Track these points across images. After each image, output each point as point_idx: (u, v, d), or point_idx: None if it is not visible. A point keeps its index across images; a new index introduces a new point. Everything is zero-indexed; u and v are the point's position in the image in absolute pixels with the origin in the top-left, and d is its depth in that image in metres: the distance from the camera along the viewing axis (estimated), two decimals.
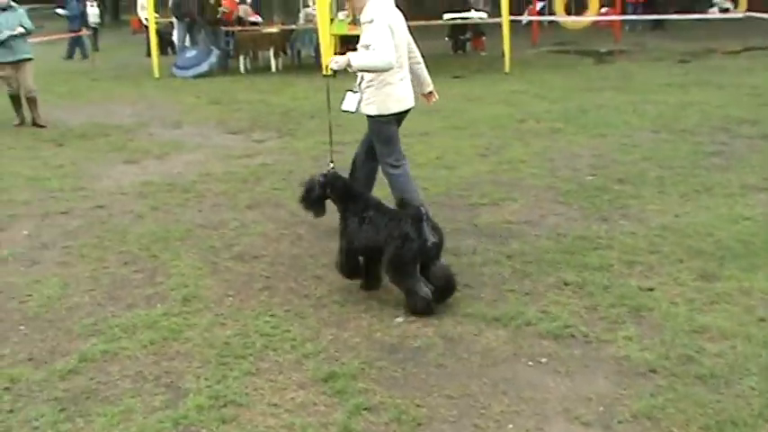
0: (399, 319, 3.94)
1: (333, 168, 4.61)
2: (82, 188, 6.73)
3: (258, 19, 16.59)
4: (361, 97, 4.83)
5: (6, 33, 9.41)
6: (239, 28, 15.90)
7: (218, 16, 15.51)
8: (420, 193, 5.10)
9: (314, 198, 4.36)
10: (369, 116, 4.88)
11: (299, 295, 4.31)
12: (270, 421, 3.05)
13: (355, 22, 6.76)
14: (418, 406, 3.12)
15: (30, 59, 9.84)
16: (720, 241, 4.82)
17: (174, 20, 17.83)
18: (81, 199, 6.38)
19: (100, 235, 5.43)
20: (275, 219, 5.70)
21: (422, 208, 4.01)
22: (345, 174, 5.03)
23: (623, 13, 19.66)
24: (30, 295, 4.39)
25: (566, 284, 4.27)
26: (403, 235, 3.89)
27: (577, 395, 3.16)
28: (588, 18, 18.73)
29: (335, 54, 4.74)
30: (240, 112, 10.43)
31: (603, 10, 19.16)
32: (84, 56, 19.74)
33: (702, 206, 5.57)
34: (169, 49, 18.86)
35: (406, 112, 4.97)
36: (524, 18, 19.12)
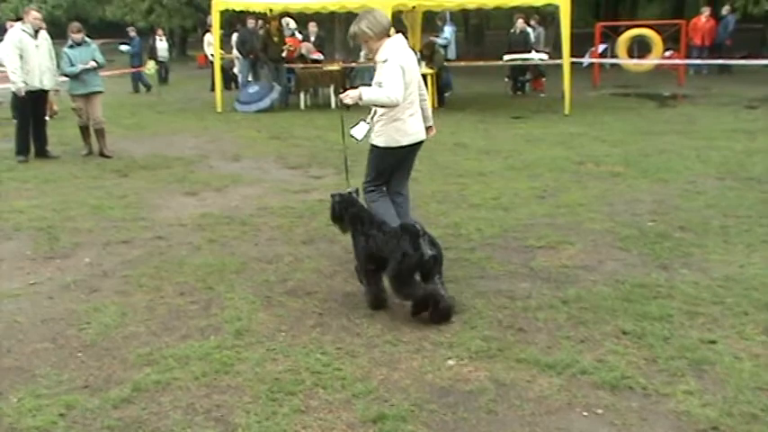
0: (451, 362, 3.88)
1: (351, 192, 4.94)
2: (143, 218, 6.88)
3: (320, 56, 16.87)
4: (372, 129, 5.18)
5: (80, 67, 9.80)
6: (301, 65, 16.19)
7: (282, 54, 15.84)
8: (390, 216, 5.20)
9: (335, 216, 4.92)
10: (373, 146, 5.22)
11: (350, 333, 4.29)
12: None
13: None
14: None
15: (100, 92, 10.21)
16: None
17: (237, 55, 18.32)
18: (141, 229, 6.52)
19: (158, 265, 5.52)
20: (329, 255, 5.72)
21: (417, 225, 4.47)
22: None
23: (688, 57, 19.41)
24: (88, 323, 4.48)
25: (624, 333, 4.16)
26: (402, 251, 4.32)
27: None
28: (651, 61, 18.50)
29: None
30: (299, 148, 10.57)
31: (667, 53, 18.91)
32: (148, 88, 20.35)
33: None
34: (232, 84, 19.34)
35: (417, 144, 5.26)
36: (585, 60, 19.01)
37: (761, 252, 5.51)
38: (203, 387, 3.66)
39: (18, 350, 4.14)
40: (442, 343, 4.11)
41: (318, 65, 16.41)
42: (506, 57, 17.14)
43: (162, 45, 22.24)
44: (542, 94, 17.10)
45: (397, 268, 4.35)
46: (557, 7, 13.72)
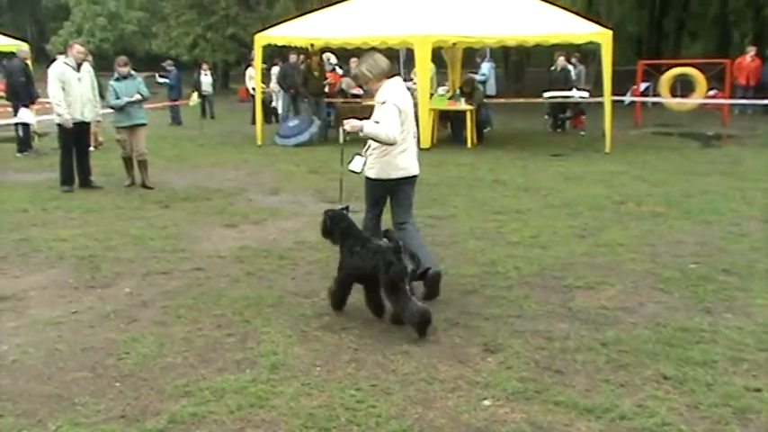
0: (487, 402, 3.83)
1: (343, 210, 5.32)
2: (182, 249, 6.96)
3: (360, 91, 17.02)
4: (366, 161, 5.50)
5: (125, 100, 10.03)
6: (341, 100, 16.37)
7: (322, 88, 16.04)
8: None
9: (326, 231, 5.30)
10: (367, 178, 5.55)
11: (385, 370, 4.26)
12: None
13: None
14: None
15: (144, 125, 10.42)
16: None
17: (276, 89, 18.59)
18: (181, 260, 6.60)
19: (196, 297, 5.57)
20: None
21: (400, 242, 4.88)
22: None
23: (732, 96, 19.17)
24: (127, 353, 4.53)
25: (665, 378, 4.07)
26: (387, 262, 4.74)
27: None
28: (695, 101, 18.32)
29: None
30: (337, 182, 10.61)
31: (711, 92, 18.71)
32: (178, 123, 20.64)
33: None
34: (272, 118, 19.60)
35: (410, 178, 5.55)
36: (627, 98, 18.92)
37: None
38: (238, 421, 3.66)
39: (58, 378, 4.20)
40: (478, 382, 4.06)
41: (358, 100, 16.56)
42: (546, 94, 17.15)
43: (206, 79, 22.64)
44: (582, 132, 17.03)
45: (386, 278, 4.75)
46: (598, 45, 13.72)
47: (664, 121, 18.81)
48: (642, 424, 3.55)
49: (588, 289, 5.68)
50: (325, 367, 4.30)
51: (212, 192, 9.99)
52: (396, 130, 5.22)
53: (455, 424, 3.62)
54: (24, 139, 13.92)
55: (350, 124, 5.29)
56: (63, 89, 9.68)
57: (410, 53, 17.24)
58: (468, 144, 14.64)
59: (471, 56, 19.43)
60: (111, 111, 10.46)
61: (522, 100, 18.63)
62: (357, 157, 5.54)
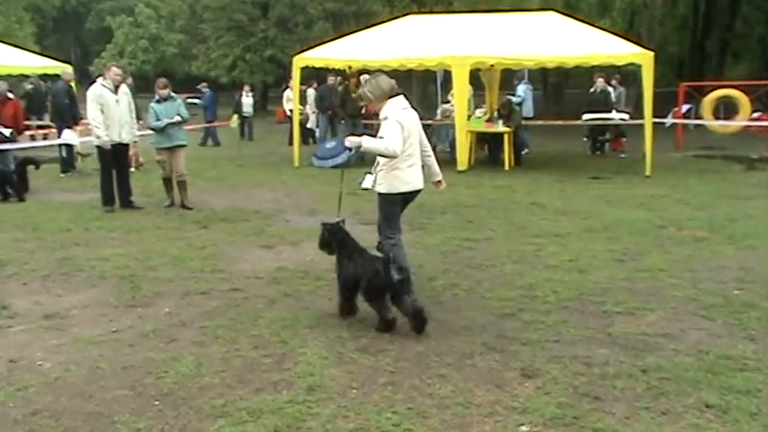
0: (524, 428, 3.79)
1: (339, 222, 5.69)
2: (221, 270, 7.03)
3: None
4: (376, 178, 5.90)
5: (165, 121, 10.20)
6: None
7: (360, 110, 16.14)
8: (407, 259, 6.01)
9: (323, 242, 5.69)
10: (378, 193, 5.90)
11: (422, 393, 4.24)
12: None
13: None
14: None
15: (184, 146, 10.58)
16: None
17: (312, 110, 18.75)
18: (219, 281, 6.66)
19: (234, 317, 5.61)
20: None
21: (390, 255, 5.33)
22: None
23: None
24: (166, 372, 4.57)
25: (707, 407, 3.98)
26: (374, 271, 5.15)
27: None
28: (738, 123, 18.03)
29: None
30: (374, 204, 10.59)
31: (756, 114, 18.41)
32: (207, 142, 20.87)
33: None
34: (310, 139, 19.77)
35: (414, 193, 5.93)
36: (668, 121, 18.70)
37: None
38: None
39: (99, 396, 4.25)
40: (516, 408, 4.02)
41: None
42: (586, 116, 17.03)
43: (247, 101, 22.93)
44: (622, 155, 16.86)
45: (368, 285, 5.20)
46: (639, 66, 13.60)
47: (706, 144, 18.55)
48: None
49: (628, 314, 5.60)
50: (362, 389, 4.30)
51: (250, 212, 10.09)
52: (395, 143, 5.53)
53: None
54: (68, 159, 14.24)
55: (349, 140, 5.77)
56: (101, 111, 9.88)
57: (447, 75, 17.30)
58: (506, 166, 14.58)
59: (509, 78, 19.42)
60: (150, 132, 10.64)
61: (560, 122, 18.54)
62: (367, 176, 6.07)
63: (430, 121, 17.29)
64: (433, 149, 17.65)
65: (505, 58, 14.63)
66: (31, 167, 12.05)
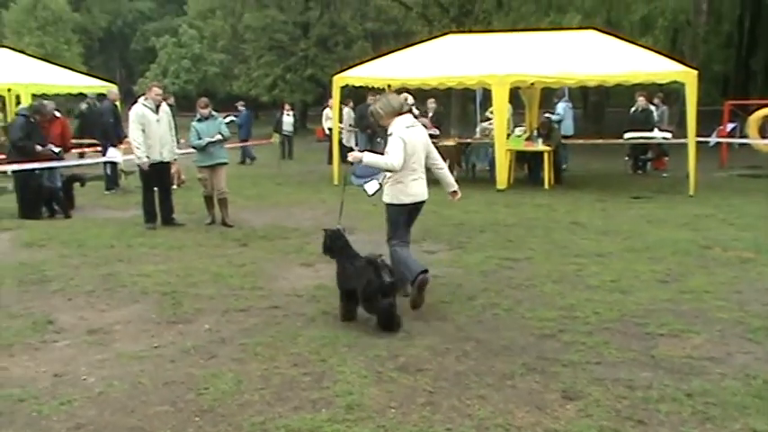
0: None
1: (339, 229, 6.12)
2: (260, 287, 7.08)
3: (436, 132, 17.10)
4: (382, 189, 6.44)
5: (206, 140, 10.34)
6: None
7: None
8: (414, 257, 6.42)
9: (326, 247, 6.14)
10: (386, 204, 6.40)
11: (461, 414, 4.21)
12: None
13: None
14: None
15: (225, 164, 10.71)
16: None
17: (349, 128, 18.85)
18: (259, 298, 6.71)
19: (273, 335, 5.64)
20: (441, 332, 5.67)
21: (381, 259, 5.69)
22: None
23: None
24: (206, 388, 4.61)
25: None
26: (368, 279, 5.57)
27: None
28: None
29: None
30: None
31: None
32: (252, 159, 21.05)
33: None
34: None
35: (418, 204, 6.38)
36: (712, 139, 18.39)
37: None
38: None
39: (141, 411, 4.30)
40: (557, 430, 3.97)
41: (434, 140, 16.59)
42: (627, 135, 16.84)
43: (288, 119, 23.13)
44: (665, 174, 16.63)
45: (364, 291, 5.61)
46: (682, 84, 13.42)
47: (751, 163, 18.18)
48: None
49: (672, 337, 5.49)
50: (400, 409, 4.27)
51: (290, 230, 10.15)
52: (395, 158, 6.01)
53: None
54: (112, 177, 14.52)
55: (351, 155, 6.27)
56: (143, 131, 10.04)
57: (486, 93, 17.28)
58: (546, 185, 14.48)
59: (549, 96, 19.33)
60: (192, 150, 10.80)
61: (601, 141, 18.36)
62: (373, 181, 6.65)
63: (469, 140, 17.27)
64: (472, 168, 17.73)
65: (545, 76, 14.57)
66: (76, 185, 12.32)
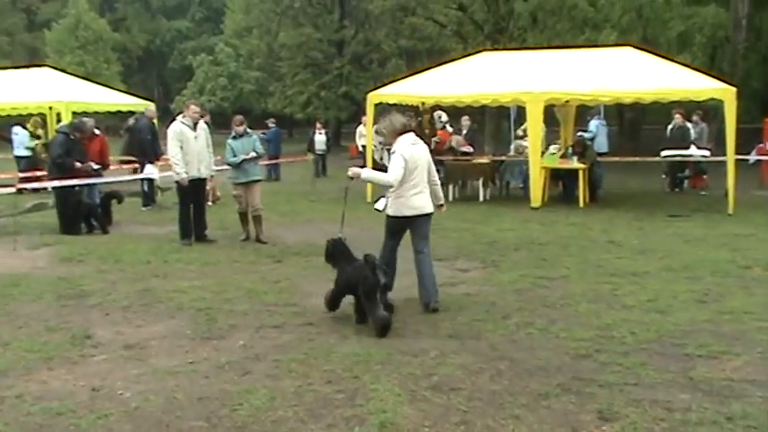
0: None
1: (341, 237, 6.66)
2: (294, 304, 7.11)
3: (470, 149, 17.08)
4: (387, 202, 6.84)
5: (241, 157, 10.45)
6: (451, 157, 16.45)
7: (432, 147, 16.18)
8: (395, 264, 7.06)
9: (328, 255, 6.71)
10: (387, 215, 6.85)
11: None
12: None
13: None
14: None
15: (260, 180, 10.81)
16: None
17: (378, 145, 18.89)
18: (293, 315, 6.73)
19: (307, 351, 5.65)
20: (475, 351, 5.63)
21: (375, 260, 6.19)
22: None
23: None
24: (240, 404, 4.63)
25: None
26: (364, 277, 6.04)
27: None
28: None
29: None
30: (446, 240, 10.62)
31: None
32: (271, 176, 21.11)
33: None
34: None
35: (421, 216, 6.78)
36: (752, 157, 18.08)
37: None
38: None
39: (176, 426, 4.33)
40: None
41: (468, 157, 16.61)
42: (664, 153, 16.65)
43: (320, 138, 23.24)
44: (703, 192, 16.40)
45: (363, 290, 6.04)
46: (721, 102, 13.25)
47: None
48: None
49: (711, 358, 5.39)
50: (434, 428, 4.25)
51: (323, 247, 10.13)
52: (394, 175, 6.49)
53: None
54: (149, 193, 14.74)
55: (350, 170, 6.73)
56: (181, 148, 10.19)
57: (521, 111, 17.23)
58: (581, 203, 14.35)
59: (584, 114, 19.21)
60: (227, 167, 10.91)
61: (637, 159, 18.17)
62: (381, 199, 7.17)
63: (503, 157, 17.21)
64: (506, 186, 17.66)
65: (580, 93, 14.50)
66: (114, 201, 12.52)
